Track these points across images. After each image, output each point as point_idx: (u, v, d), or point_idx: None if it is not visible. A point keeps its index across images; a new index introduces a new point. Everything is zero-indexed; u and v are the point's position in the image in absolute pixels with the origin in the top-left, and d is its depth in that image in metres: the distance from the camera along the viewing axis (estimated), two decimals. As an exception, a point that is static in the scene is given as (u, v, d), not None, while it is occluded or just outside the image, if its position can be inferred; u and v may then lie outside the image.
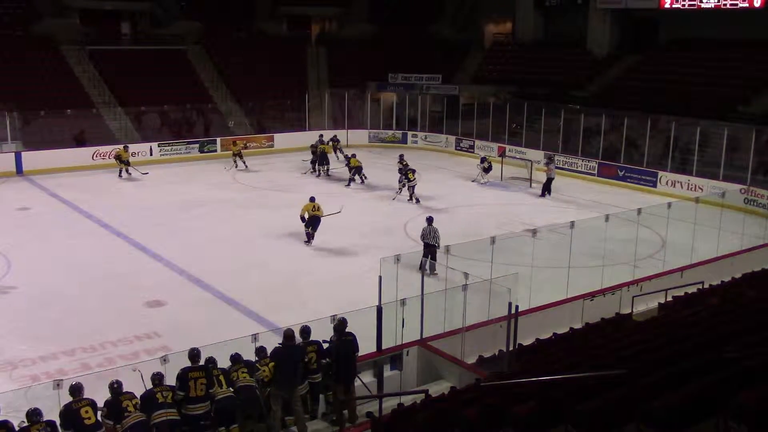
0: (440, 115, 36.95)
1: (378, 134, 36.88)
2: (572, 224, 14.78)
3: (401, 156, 26.99)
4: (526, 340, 12.13)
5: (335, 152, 31.38)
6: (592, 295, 14.18)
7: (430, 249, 16.72)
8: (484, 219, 22.81)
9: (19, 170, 28.24)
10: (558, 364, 9.04)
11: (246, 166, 30.04)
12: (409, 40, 40.49)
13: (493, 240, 13.47)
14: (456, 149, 35.11)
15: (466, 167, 30.39)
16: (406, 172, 24.84)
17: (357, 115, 37.55)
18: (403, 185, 24.82)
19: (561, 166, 30.12)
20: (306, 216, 19.82)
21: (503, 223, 22.05)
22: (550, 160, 27.88)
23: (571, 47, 38.79)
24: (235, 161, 30.01)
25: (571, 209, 24.10)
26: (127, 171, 28.07)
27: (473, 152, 33.74)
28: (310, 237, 19.91)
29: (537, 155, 30.55)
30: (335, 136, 32.61)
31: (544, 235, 16.56)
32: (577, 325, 13.33)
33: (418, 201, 24.55)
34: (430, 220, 17.72)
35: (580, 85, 35.60)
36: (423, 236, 17.50)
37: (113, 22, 40.16)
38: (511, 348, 11.16)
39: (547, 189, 26.31)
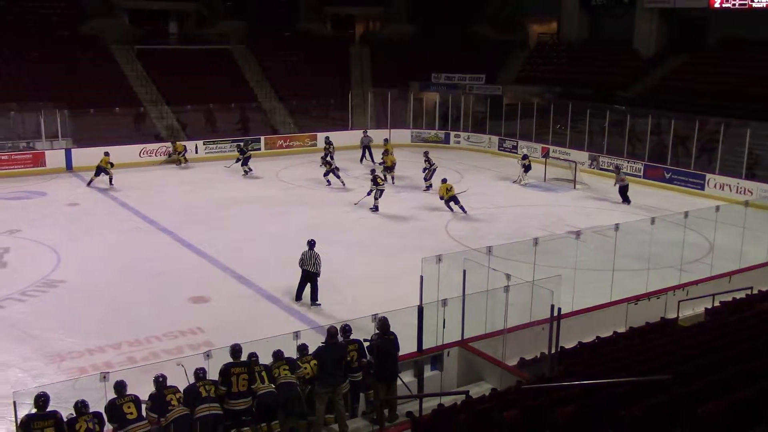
0: (483, 115, 36.77)
1: (420, 134, 36.84)
2: (617, 226, 14.61)
3: (426, 153, 27.48)
4: (569, 343, 12.02)
5: (327, 157, 29.58)
6: (636, 298, 14.00)
7: (309, 276, 15.43)
8: (527, 220, 22.64)
9: (69, 166, 28.86)
10: (601, 368, 8.94)
11: (185, 161, 30.29)
12: (453, 39, 40.36)
13: (536, 241, 13.38)
14: (499, 150, 34.90)
15: (509, 168, 30.19)
16: (375, 178, 23.25)
17: (399, 114, 37.55)
18: (371, 192, 23.20)
19: (605, 167, 29.79)
20: (444, 197, 22.85)
21: (546, 224, 21.89)
22: (617, 169, 26.72)
23: (617, 47, 38.28)
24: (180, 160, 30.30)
25: (616, 211, 23.79)
26: (110, 181, 26.08)
27: (516, 153, 33.51)
28: (463, 210, 22.81)
29: (581, 156, 30.24)
30: (327, 138, 31.22)
31: (588, 237, 16.40)
32: (621, 329, 13.18)
33: (376, 209, 23.02)
34: (311, 243, 15.69)
35: (626, 85, 35.11)
36: (302, 262, 15.55)
37: (161, 22, 40.83)
38: (553, 351, 11.06)
39: (624, 197, 25.27)
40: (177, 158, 30.45)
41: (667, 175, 28.27)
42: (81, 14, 37.48)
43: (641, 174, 29.00)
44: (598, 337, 12.60)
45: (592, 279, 15.25)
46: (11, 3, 36.17)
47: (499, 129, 35.42)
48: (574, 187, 27.60)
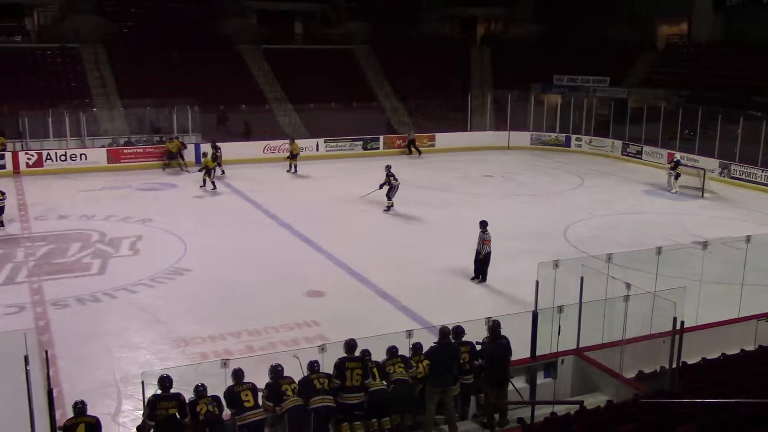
0: (606, 118, 35.76)
1: (540, 137, 36.23)
2: (748, 238, 13.84)
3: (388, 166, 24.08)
4: (691, 359, 11.49)
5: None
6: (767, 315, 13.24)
7: None
8: (650, 228, 21.83)
9: (198, 161, 30.17)
10: (726, 387, 8.53)
11: (185, 169, 29.12)
12: (577, 40, 39.48)
13: (659, 250, 12.88)
14: (622, 155, 33.83)
15: (632, 173, 29.24)
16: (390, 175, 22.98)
17: (520, 117, 37.10)
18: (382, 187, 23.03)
19: (738, 176, 28.35)
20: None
21: (671, 233, 21.04)
22: (483, 228, 16.73)
23: (753, 49, 36.29)
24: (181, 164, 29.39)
25: (748, 222, 22.58)
26: None
27: (641, 158, 32.49)
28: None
29: (711, 164, 28.92)
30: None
31: (716, 248, 15.62)
32: (750, 347, 12.49)
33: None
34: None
35: (763, 90, 33.23)
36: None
37: (287, 22, 42.11)
38: (674, 365, 10.62)
39: (480, 270, 16.92)
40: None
41: (806, 186, 26.59)
42: (215, 15, 39.19)
43: (776, 184, 27.45)
44: (723, 354, 12.01)
45: (718, 293, 14.54)
46: (156, 6, 38.31)
47: (623, 133, 34.35)
48: (702, 196, 26.39)
